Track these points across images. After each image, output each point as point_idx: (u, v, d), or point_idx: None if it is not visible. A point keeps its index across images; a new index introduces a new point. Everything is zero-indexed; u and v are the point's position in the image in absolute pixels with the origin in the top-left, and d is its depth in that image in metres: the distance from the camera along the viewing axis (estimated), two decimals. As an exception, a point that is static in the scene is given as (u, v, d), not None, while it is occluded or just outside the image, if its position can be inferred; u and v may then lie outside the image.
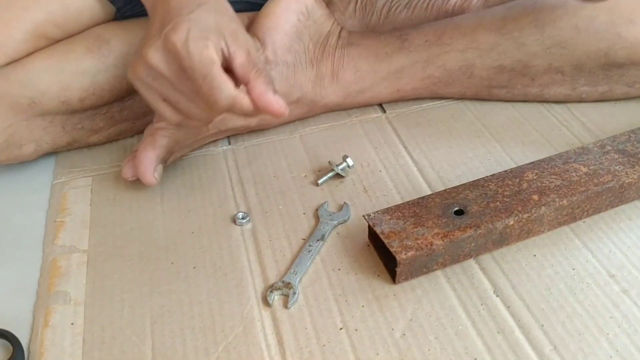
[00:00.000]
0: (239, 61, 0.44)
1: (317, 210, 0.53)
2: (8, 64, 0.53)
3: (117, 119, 0.59)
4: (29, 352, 0.43)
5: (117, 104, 0.58)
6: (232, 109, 0.44)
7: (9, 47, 0.52)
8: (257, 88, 0.44)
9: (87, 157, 0.61)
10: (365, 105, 0.64)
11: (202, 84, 0.42)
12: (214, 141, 0.62)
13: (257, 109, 0.45)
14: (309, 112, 0.63)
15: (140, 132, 0.60)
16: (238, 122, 0.55)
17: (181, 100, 0.45)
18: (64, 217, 0.54)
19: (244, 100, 0.44)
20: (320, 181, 0.56)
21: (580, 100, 0.62)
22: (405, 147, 0.59)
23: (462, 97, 0.64)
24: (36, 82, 0.53)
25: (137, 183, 0.56)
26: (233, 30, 0.45)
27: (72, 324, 0.44)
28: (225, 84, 0.43)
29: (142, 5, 0.57)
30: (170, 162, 0.56)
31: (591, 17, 0.56)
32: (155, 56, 0.43)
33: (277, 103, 0.45)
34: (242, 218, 0.52)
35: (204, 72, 0.42)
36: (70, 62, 0.54)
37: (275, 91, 0.45)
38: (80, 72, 0.54)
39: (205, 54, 0.42)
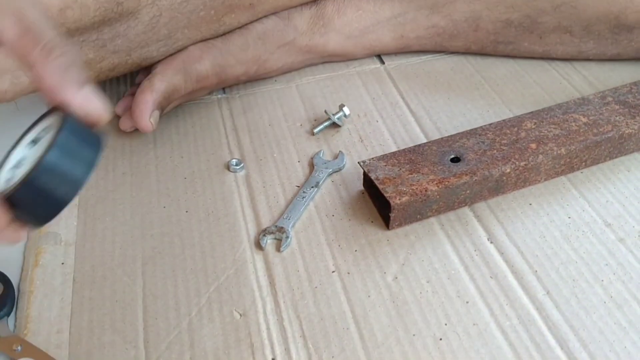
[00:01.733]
0: (11, 32, 0.30)
1: (312, 158, 0.52)
2: None
3: (109, 48, 0.52)
4: (19, 290, 0.43)
5: (108, 30, 0.50)
6: None
7: None
8: (48, 79, 0.30)
9: (79, 104, 0.60)
10: (368, 54, 0.63)
11: None
12: (209, 89, 0.61)
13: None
14: (307, 60, 0.61)
15: (138, 66, 0.55)
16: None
17: None
18: (55, 162, 0.53)
19: None
20: (316, 130, 0.55)
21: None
22: (403, 98, 0.58)
23: (467, 52, 0.63)
24: None
25: (130, 129, 0.55)
26: None
27: (62, 263, 0.44)
28: None
29: None
30: (168, 111, 0.55)
31: None
32: None
33: (93, 102, 0.31)
34: (236, 165, 0.51)
35: None
36: None
37: (84, 83, 0.30)
38: None
39: None
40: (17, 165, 0.30)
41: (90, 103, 0.30)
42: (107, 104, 0.31)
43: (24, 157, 0.30)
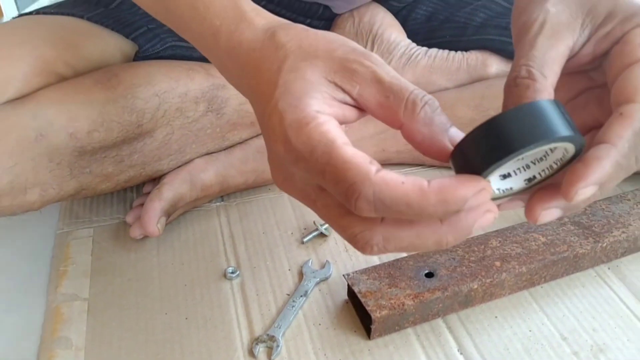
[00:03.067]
0: (373, 101, 0.32)
1: (301, 267, 0.57)
2: (18, 98, 0.52)
3: (126, 163, 0.58)
4: (31, 394, 0.47)
5: (127, 147, 0.57)
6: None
7: (19, 80, 0.52)
8: (419, 133, 0.31)
9: (88, 209, 0.66)
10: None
11: (332, 187, 0.30)
12: (209, 198, 0.67)
13: (431, 154, 0.32)
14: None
15: (149, 178, 0.61)
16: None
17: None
18: (66, 266, 0.58)
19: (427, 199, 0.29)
20: (305, 239, 0.61)
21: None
22: (384, 210, 0.64)
23: (442, 165, 0.70)
24: (44, 112, 0.51)
25: (136, 236, 0.60)
26: (340, 63, 0.33)
27: (72, 368, 0.48)
28: (353, 169, 0.29)
29: (164, 43, 0.60)
30: (173, 219, 0.61)
31: None
32: (276, 175, 0.36)
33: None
34: (232, 272, 0.57)
35: (321, 168, 0.30)
36: (79, 92, 0.53)
37: (448, 126, 0.32)
38: (88, 101, 0.53)
39: (307, 138, 0.30)
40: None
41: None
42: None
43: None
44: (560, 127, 0.30)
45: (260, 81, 0.34)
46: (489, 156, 0.30)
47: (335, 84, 0.32)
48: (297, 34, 0.35)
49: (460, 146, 0.31)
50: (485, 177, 0.30)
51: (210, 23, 0.39)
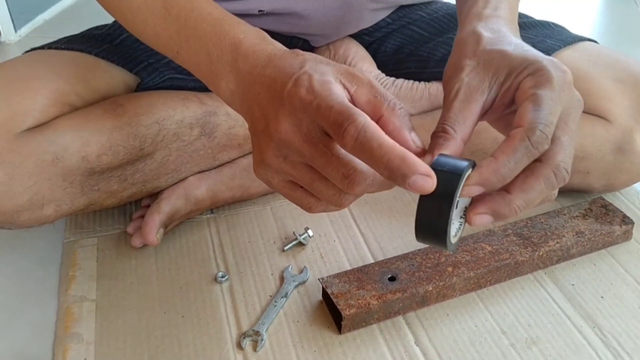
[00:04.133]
0: (364, 98, 0.42)
1: (282, 272, 0.66)
2: (36, 126, 0.59)
3: (129, 181, 0.65)
4: (49, 381, 0.55)
5: (130, 167, 0.64)
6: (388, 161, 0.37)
7: (37, 110, 0.59)
8: (392, 123, 0.41)
9: (92, 220, 0.73)
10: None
11: (335, 116, 0.38)
12: (200, 211, 0.75)
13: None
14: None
15: (149, 194, 0.69)
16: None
17: (315, 179, 0.42)
18: (74, 272, 0.66)
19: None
20: (285, 248, 0.69)
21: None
22: (355, 222, 0.73)
23: None
24: (60, 139, 0.59)
25: (136, 244, 0.68)
26: (345, 69, 0.43)
27: (85, 359, 0.56)
28: (357, 111, 0.38)
29: (162, 76, 0.68)
30: (169, 230, 0.69)
31: None
32: (284, 123, 0.41)
33: (412, 142, 0.41)
34: (222, 277, 0.65)
35: (340, 117, 0.38)
36: (90, 121, 0.61)
37: (412, 129, 0.41)
38: (98, 129, 0.61)
39: (329, 89, 0.40)
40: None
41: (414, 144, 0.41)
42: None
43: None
44: (461, 162, 0.39)
45: (279, 69, 0.43)
46: (441, 214, 0.39)
47: (341, 81, 0.42)
48: (311, 54, 0.45)
49: (418, 223, 0.40)
50: (449, 230, 0.39)
51: (234, 36, 0.47)
